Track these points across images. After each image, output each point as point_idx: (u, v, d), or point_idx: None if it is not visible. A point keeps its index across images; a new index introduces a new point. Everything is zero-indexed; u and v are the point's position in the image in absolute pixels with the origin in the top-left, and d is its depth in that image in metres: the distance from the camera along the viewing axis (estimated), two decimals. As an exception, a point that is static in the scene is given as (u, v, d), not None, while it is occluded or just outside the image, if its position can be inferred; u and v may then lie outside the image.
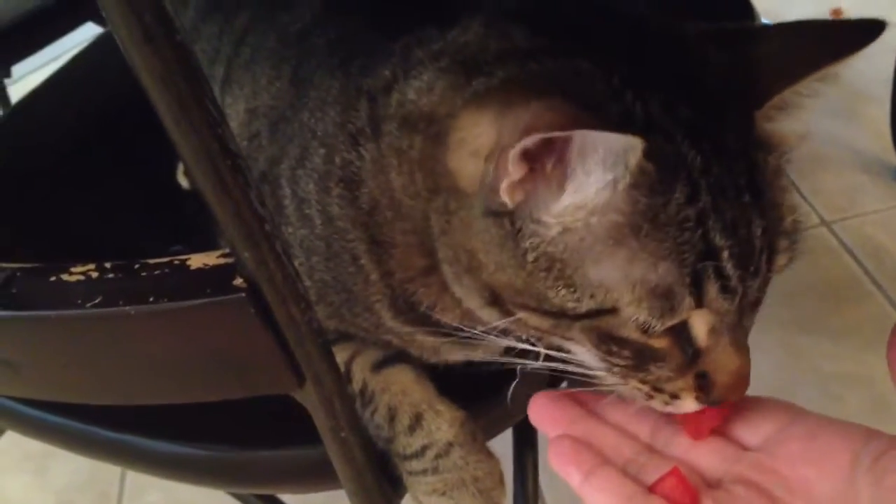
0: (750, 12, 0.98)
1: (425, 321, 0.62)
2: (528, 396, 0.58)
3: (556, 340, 0.53)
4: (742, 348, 0.50)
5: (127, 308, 0.51)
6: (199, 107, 0.41)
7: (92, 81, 1.14)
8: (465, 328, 0.58)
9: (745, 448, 0.53)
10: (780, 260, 0.50)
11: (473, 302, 0.55)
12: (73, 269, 0.54)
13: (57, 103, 1.12)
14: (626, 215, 0.46)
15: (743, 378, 0.50)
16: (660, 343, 0.50)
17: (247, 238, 0.46)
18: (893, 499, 0.45)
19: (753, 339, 1.54)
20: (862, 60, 1.71)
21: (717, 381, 0.50)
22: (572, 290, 0.48)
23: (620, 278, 0.47)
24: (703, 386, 0.51)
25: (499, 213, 0.50)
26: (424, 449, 0.66)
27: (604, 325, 0.49)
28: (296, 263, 0.50)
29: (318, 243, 0.65)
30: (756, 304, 0.51)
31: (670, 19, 0.55)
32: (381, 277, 0.62)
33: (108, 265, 0.53)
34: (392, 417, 0.67)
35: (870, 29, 0.49)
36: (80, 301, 0.52)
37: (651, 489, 0.51)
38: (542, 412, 0.57)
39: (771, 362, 1.48)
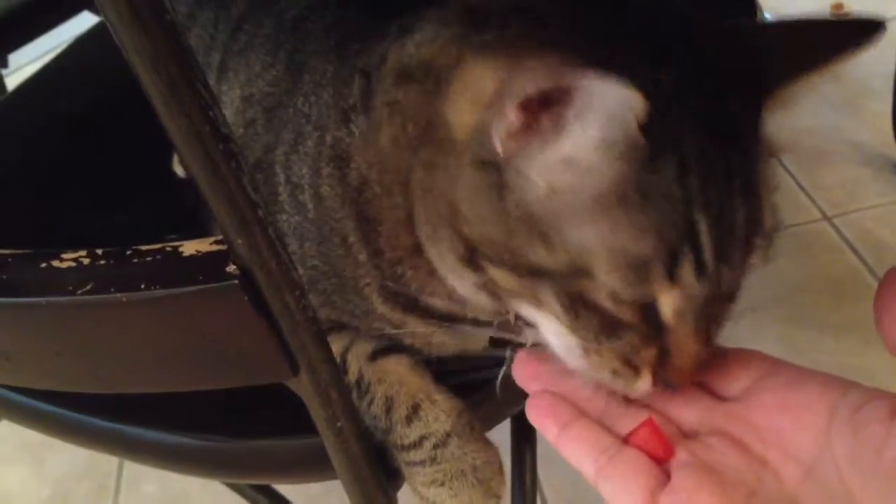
0: (754, 6, 0.98)
1: (415, 307, 0.62)
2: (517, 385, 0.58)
3: (524, 305, 0.53)
4: (703, 336, 0.50)
5: (119, 295, 0.50)
6: (189, 89, 0.40)
7: (87, 71, 1.13)
8: (452, 313, 0.59)
9: (723, 399, 0.53)
10: (754, 257, 0.50)
11: (447, 262, 0.55)
12: (64, 256, 0.53)
13: (52, 92, 1.11)
14: (614, 183, 0.46)
15: (698, 363, 0.51)
16: (627, 315, 0.50)
17: (240, 224, 0.46)
18: (869, 449, 0.44)
19: (754, 335, 1.54)
20: (864, 55, 1.70)
21: (674, 362, 0.50)
22: (550, 247, 0.48)
23: (599, 244, 0.47)
24: (661, 363, 0.51)
25: (488, 165, 0.49)
26: (422, 439, 0.66)
27: (576, 287, 0.49)
28: (289, 251, 0.49)
29: (311, 228, 0.65)
30: (729, 298, 0.52)
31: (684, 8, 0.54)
32: (370, 258, 0.62)
33: (99, 252, 0.53)
34: (389, 408, 0.66)
35: (871, 28, 0.49)
36: (71, 288, 0.51)
37: (625, 440, 0.51)
38: (524, 368, 0.57)
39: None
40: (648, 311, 0.50)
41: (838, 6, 2.26)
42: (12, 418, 0.82)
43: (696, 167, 0.46)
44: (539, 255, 0.49)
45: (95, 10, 1.36)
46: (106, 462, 1.44)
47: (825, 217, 1.70)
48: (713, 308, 0.50)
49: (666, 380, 0.51)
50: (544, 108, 0.46)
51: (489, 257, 0.51)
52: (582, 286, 0.49)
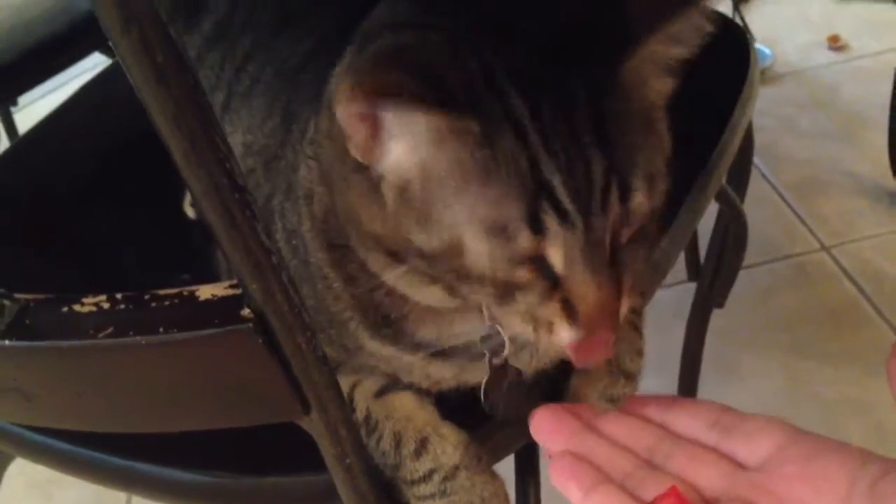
0: (746, 51, 1.00)
1: (402, 339, 0.65)
2: (505, 398, 0.63)
3: (437, 287, 0.57)
4: (601, 277, 0.52)
5: (138, 338, 0.52)
6: (209, 144, 0.42)
7: (100, 112, 1.15)
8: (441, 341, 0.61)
9: (743, 467, 0.54)
10: (637, 197, 0.52)
11: (379, 265, 0.58)
12: (84, 301, 0.55)
13: (65, 134, 1.13)
14: (455, 169, 0.51)
15: (605, 306, 0.53)
16: (521, 274, 0.53)
17: (254, 270, 0.48)
18: None
19: (755, 364, 1.54)
20: (861, 86, 1.73)
21: (579, 309, 0.53)
22: (425, 231, 0.52)
23: (463, 219, 0.51)
24: (569, 313, 0.53)
25: (363, 168, 0.54)
26: (432, 473, 0.67)
27: (455, 263, 0.52)
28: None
29: (303, 270, 0.67)
30: (626, 238, 0.54)
31: None
32: (345, 285, 0.65)
33: (118, 296, 0.55)
34: (398, 443, 0.68)
35: None
36: (91, 331, 0.53)
37: None
38: (543, 425, 0.59)
39: (771, 387, 1.48)
40: (543, 267, 0.53)
41: (835, 39, 2.29)
42: (27, 456, 0.83)
43: (536, 131, 0.50)
44: (421, 241, 0.53)
45: (105, 52, 1.40)
46: (114, 498, 1.45)
47: (824, 247, 1.72)
48: (604, 253, 0.53)
49: (582, 327, 0.53)
50: (375, 124, 0.51)
51: (393, 252, 0.56)
52: (461, 261, 0.52)
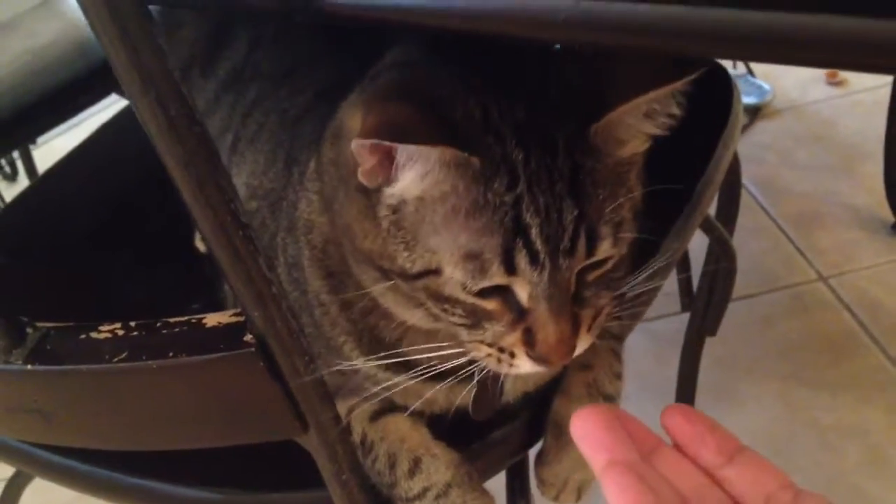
0: (730, 89, 1.04)
1: (395, 362, 0.69)
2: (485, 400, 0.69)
3: (420, 309, 0.62)
4: (561, 314, 0.58)
5: (150, 362, 0.57)
6: (216, 187, 0.47)
7: (116, 152, 1.20)
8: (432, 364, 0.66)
9: None
10: (604, 245, 0.58)
11: (369, 273, 0.64)
12: (101, 328, 0.60)
13: (83, 173, 1.18)
14: (450, 197, 0.56)
15: (562, 340, 0.59)
16: (490, 305, 0.59)
17: (256, 299, 0.53)
18: None
19: (754, 392, 1.55)
20: (859, 120, 1.75)
21: (538, 339, 0.59)
22: (410, 252, 0.59)
23: (445, 245, 0.57)
24: (529, 342, 0.59)
25: (364, 191, 0.60)
26: (425, 491, 0.71)
27: (432, 284, 0.58)
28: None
29: (303, 300, 0.73)
30: (594, 283, 0.60)
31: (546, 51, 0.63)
32: (341, 310, 0.71)
33: (132, 324, 0.59)
34: (392, 464, 0.72)
35: (698, 67, 0.56)
36: (107, 356, 0.58)
37: None
38: (583, 432, 0.53)
39: (769, 415, 1.50)
40: (510, 300, 0.58)
41: (833, 73, 2.33)
42: (45, 476, 0.86)
43: (524, 178, 0.56)
44: (403, 259, 0.59)
45: (122, 93, 1.44)
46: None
47: (821, 278, 1.73)
48: (566, 293, 0.58)
49: (538, 356, 0.59)
50: (385, 153, 0.56)
51: (381, 267, 0.61)
52: (437, 283, 0.58)
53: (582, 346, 0.61)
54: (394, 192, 0.58)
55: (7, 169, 2.42)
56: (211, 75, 0.98)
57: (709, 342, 1.41)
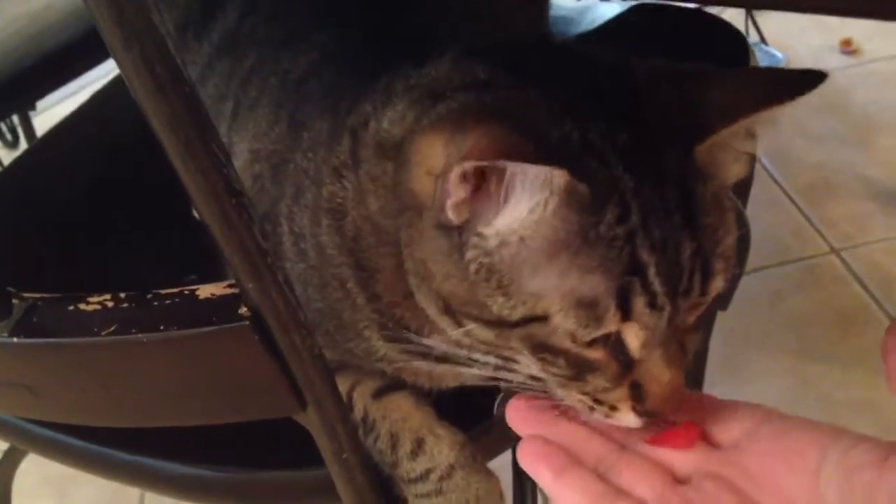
0: (745, 53, 1.01)
1: (416, 347, 0.65)
2: None
3: (503, 353, 0.56)
4: (674, 363, 0.52)
5: (140, 336, 0.54)
6: (205, 151, 0.45)
7: (113, 117, 1.17)
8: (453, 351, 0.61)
9: (717, 447, 0.54)
10: (716, 282, 0.52)
11: (431, 309, 0.58)
12: (90, 299, 0.57)
13: (80, 138, 1.16)
14: (558, 232, 0.50)
15: (675, 391, 0.53)
16: (595, 354, 0.52)
17: (251, 270, 0.50)
18: (860, 494, 0.46)
19: (763, 367, 1.54)
20: (873, 90, 1.72)
21: (649, 392, 0.53)
22: (508, 298, 0.52)
23: (551, 288, 0.50)
24: (637, 396, 0.53)
25: (448, 227, 0.53)
26: (428, 472, 0.69)
27: (536, 333, 0.52)
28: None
29: (313, 274, 0.69)
30: (695, 326, 0.54)
31: (629, 58, 0.58)
32: (368, 302, 0.65)
33: (122, 295, 0.57)
34: (394, 444, 0.70)
35: (810, 80, 0.52)
36: (96, 329, 0.55)
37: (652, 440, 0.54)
38: (516, 411, 0.59)
39: (780, 390, 1.48)
40: (617, 348, 0.52)
41: (847, 42, 2.29)
42: (38, 451, 0.85)
43: (637, 208, 0.50)
44: (500, 305, 0.52)
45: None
46: (127, 495, 1.47)
47: (833, 250, 1.71)
48: (677, 335, 0.53)
49: (647, 411, 0.53)
50: (487, 175, 0.50)
51: (461, 312, 0.55)
52: (543, 332, 0.52)
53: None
54: (494, 229, 0.51)
55: (8, 136, 2.40)
56: (205, 38, 0.95)
57: (719, 316, 1.39)
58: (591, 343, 0.52)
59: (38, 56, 1.24)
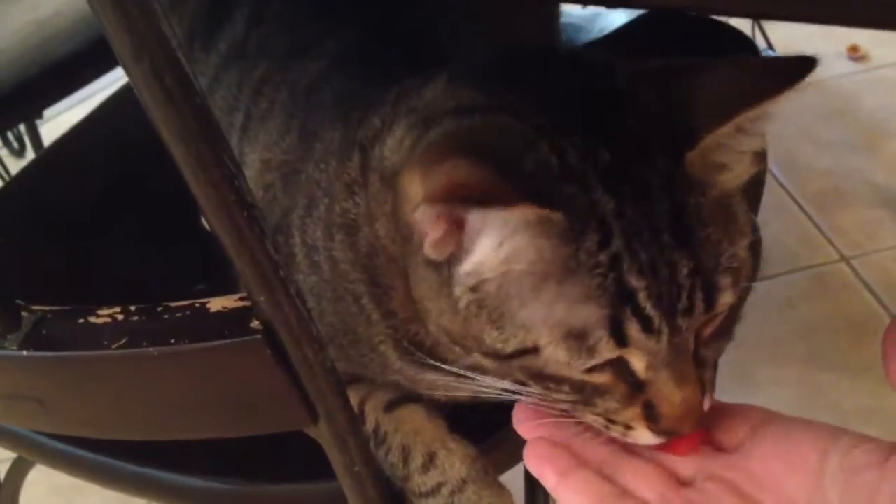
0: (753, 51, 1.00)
1: (431, 362, 0.64)
2: None
3: (511, 382, 0.55)
4: (686, 381, 0.51)
5: (150, 349, 0.54)
6: (216, 163, 0.44)
7: (121, 126, 1.17)
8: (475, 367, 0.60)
9: (720, 449, 0.54)
10: (724, 297, 0.50)
11: (442, 338, 0.57)
12: (100, 312, 0.57)
13: (87, 147, 1.15)
14: (537, 264, 0.48)
15: (690, 409, 0.51)
16: (601, 379, 0.51)
17: (262, 283, 0.49)
18: (862, 494, 0.46)
19: (773, 375, 1.53)
20: (882, 96, 1.71)
21: (662, 413, 0.51)
22: (501, 331, 0.51)
23: (539, 321, 0.49)
24: (651, 416, 0.52)
25: (434, 263, 0.53)
26: (439, 486, 0.68)
27: (531, 364, 0.51)
28: (308, 308, 0.52)
29: (326, 287, 0.68)
30: (713, 337, 0.52)
31: (613, 60, 0.56)
32: (383, 318, 0.65)
33: (132, 308, 0.56)
34: (406, 457, 0.69)
35: (801, 67, 0.49)
36: (106, 342, 0.55)
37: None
38: (522, 415, 0.58)
39: (789, 398, 1.48)
40: (624, 371, 0.51)
41: (854, 48, 2.28)
42: (46, 462, 0.85)
43: (619, 231, 0.48)
44: (493, 339, 0.51)
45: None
46: (134, 504, 1.47)
47: (843, 258, 1.70)
48: (688, 356, 0.51)
49: (663, 430, 0.52)
50: (454, 221, 0.49)
51: (461, 345, 0.55)
52: (535, 362, 0.51)
53: (706, 408, 0.53)
54: (469, 267, 0.51)
55: (14, 144, 2.40)
56: (212, 50, 0.94)
57: (728, 324, 1.38)
58: (594, 369, 0.50)
59: (45, 64, 1.23)
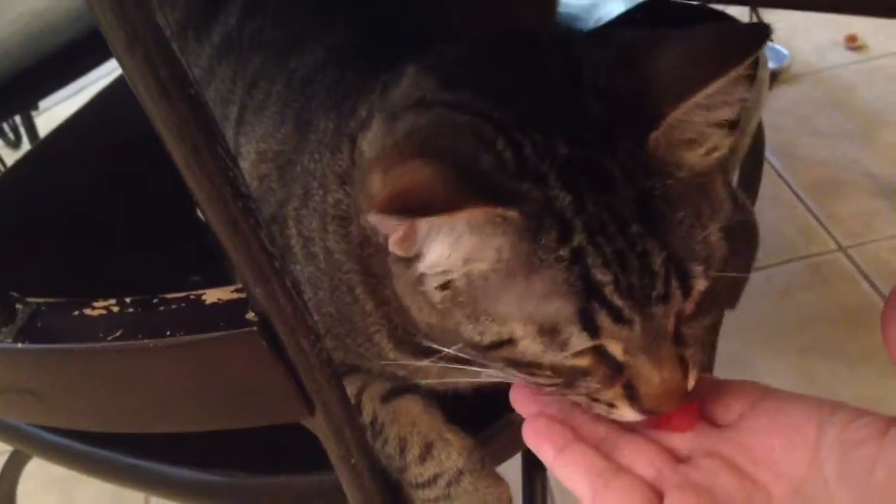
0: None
1: (426, 350, 0.64)
2: None
3: (496, 370, 0.55)
4: (665, 362, 0.51)
5: (146, 341, 0.53)
6: (211, 154, 0.44)
7: (116, 117, 1.17)
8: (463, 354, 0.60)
9: (717, 426, 0.54)
10: (699, 285, 0.50)
11: (428, 333, 0.57)
12: (95, 304, 0.57)
13: (82, 138, 1.15)
14: (499, 262, 0.49)
15: (670, 389, 0.51)
16: (581, 362, 0.51)
17: (258, 275, 0.49)
18: (860, 467, 0.46)
19: (769, 365, 1.54)
20: (879, 86, 1.71)
21: (642, 393, 0.51)
22: (476, 324, 0.51)
23: (513, 315, 0.49)
24: (631, 396, 0.52)
25: (405, 261, 0.53)
26: (436, 477, 0.68)
27: (510, 354, 0.51)
28: (305, 299, 0.52)
29: (322, 278, 0.68)
30: (694, 317, 0.52)
31: (575, 39, 0.56)
32: (377, 307, 0.65)
33: (128, 300, 0.56)
34: (403, 448, 0.69)
35: (757, 36, 0.49)
36: (101, 334, 0.55)
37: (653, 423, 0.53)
38: (520, 392, 0.59)
39: (787, 387, 1.46)
40: (603, 356, 0.51)
41: (852, 38, 2.28)
42: (43, 455, 0.85)
43: (580, 225, 0.48)
44: (469, 331, 0.52)
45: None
46: (132, 497, 1.47)
47: (840, 248, 1.70)
48: (666, 338, 0.51)
49: (644, 409, 0.52)
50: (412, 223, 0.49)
51: (443, 338, 0.55)
52: (513, 352, 0.51)
53: (691, 386, 0.53)
54: (427, 268, 0.51)
55: (10, 135, 2.39)
56: (205, 40, 0.94)
57: (726, 314, 1.38)
58: (575, 354, 0.50)
59: (40, 55, 1.23)
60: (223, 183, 0.45)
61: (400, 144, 0.53)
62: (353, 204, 0.63)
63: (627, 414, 0.53)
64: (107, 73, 1.39)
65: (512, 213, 0.47)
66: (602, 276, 0.48)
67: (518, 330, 0.49)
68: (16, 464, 1.08)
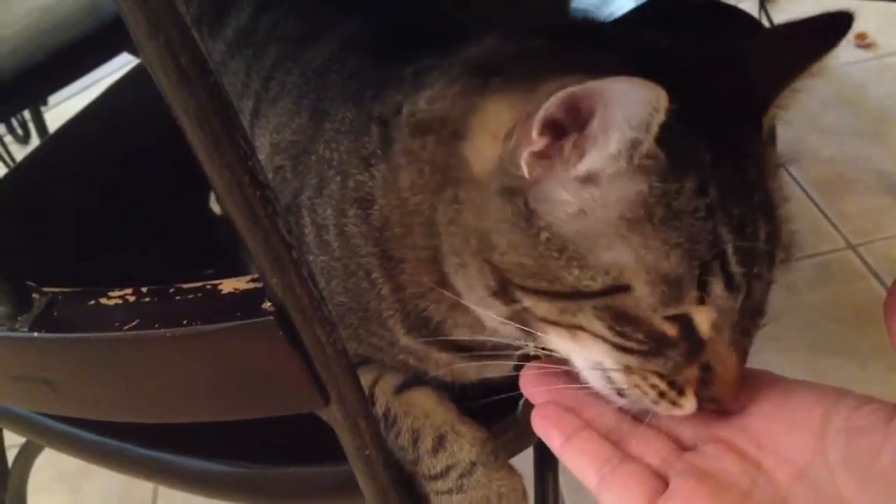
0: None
1: (437, 339, 0.64)
2: None
3: (558, 334, 0.55)
4: (739, 350, 0.51)
5: (162, 331, 0.53)
6: (231, 143, 0.44)
7: (127, 111, 1.17)
8: (475, 343, 0.61)
9: (724, 414, 0.54)
10: (776, 272, 0.51)
11: (477, 293, 0.57)
12: (111, 294, 0.57)
13: (94, 132, 1.15)
14: (638, 198, 0.48)
15: (738, 379, 0.52)
16: (671, 330, 0.51)
17: (275, 264, 0.49)
18: (865, 454, 0.46)
19: (780, 363, 1.53)
20: (888, 84, 1.71)
21: (717, 375, 0.51)
22: (586, 269, 0.50)
23: (634, 261, 0.49)
24: (705, 380, 0.52)
25: (514, 193, 0.52)
26: (449, 469, 0.68)
27: (618, 303, 0.50)
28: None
29: (336, 266, 0.68)
30: (758, 311, 0.53)
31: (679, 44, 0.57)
32: (393, 291, 0.65)
33: (144, 290, 0.56)
34: (416, 440, 0.69)
35: (840, 23, 0.51)
36: (117, 324, 0.55)
37: None
38: (530, 379, 0.59)
39: (796, 384, 1.48)
40: (687, 328, 0.51)
41: (861, 36, 2.27)
42: (55, 446, 0.85)
43: (715, 182, 0.48)
44: (576, 277, 0.50)
45: (133, 52, 1.41)
46: (140, 489, 1.47)
47: (849, 245, 1.70)
48: (746, 320, 0.51)
49: (711, 397, 0.52)
50: (570, 120, 0.48)
51: (524, 287, 0.53)
52: (624, 302, 0.50)
53: None
54: (569, 182, 0.49)
55: (19, 131, 2.40)
56: (219, 35, 0.94)
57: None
58: (670, 318, 0.50)
59: (49, 51, 1.23)
60: (242, 171, 0.45)
61: (528, 76, 0.52)
62: (381, 183, 0.63)
63: (688, 405, 0.53)
64: (116, 68, 1.40)
65: (661, 155, 0.47)
66: (727, 235, 0.48)
67: (640, 276, 0.49)
68: (26, 457, 1.09)
